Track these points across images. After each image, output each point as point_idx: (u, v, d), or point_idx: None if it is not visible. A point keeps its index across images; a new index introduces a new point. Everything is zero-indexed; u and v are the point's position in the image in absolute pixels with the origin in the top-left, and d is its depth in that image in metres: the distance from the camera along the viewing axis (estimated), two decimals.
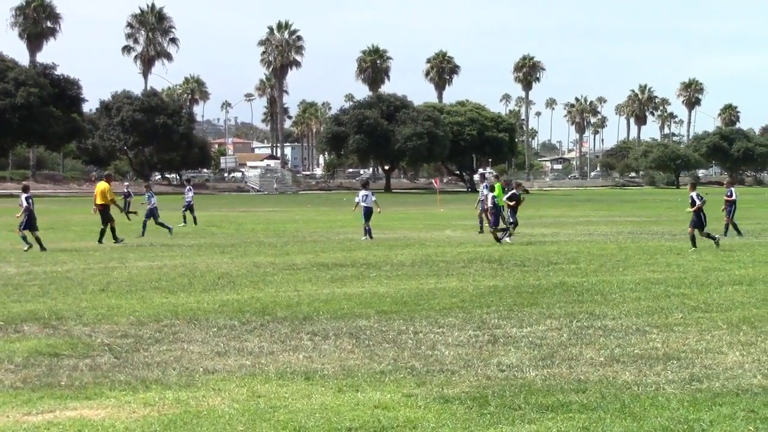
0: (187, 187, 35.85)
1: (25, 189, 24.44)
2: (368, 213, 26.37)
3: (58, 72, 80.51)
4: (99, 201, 25.77)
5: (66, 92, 78.40)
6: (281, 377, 9.05)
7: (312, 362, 9.76)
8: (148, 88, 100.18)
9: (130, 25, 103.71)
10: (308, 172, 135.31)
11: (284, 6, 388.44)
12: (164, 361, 9.86)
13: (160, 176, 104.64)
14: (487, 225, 27.46)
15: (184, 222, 34.24)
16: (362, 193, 26.71)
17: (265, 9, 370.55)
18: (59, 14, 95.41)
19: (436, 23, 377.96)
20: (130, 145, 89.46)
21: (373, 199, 26.63)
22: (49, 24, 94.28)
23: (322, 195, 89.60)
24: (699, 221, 23.19)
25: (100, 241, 25.45)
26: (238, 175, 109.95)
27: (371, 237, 26.01)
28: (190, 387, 8.69)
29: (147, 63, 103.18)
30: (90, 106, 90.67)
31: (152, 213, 29.30)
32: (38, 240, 23.71)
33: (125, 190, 38.26)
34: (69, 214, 37.96)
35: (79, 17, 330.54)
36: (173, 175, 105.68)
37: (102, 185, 26.14)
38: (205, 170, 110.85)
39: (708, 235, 23.27)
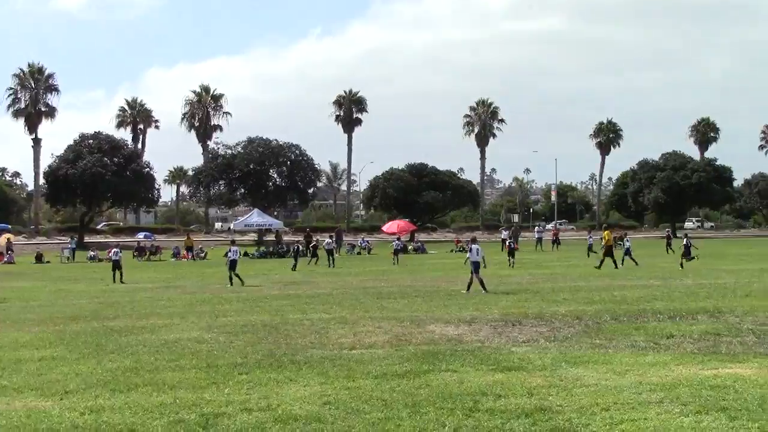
0: (231, 248, 33.54)
1: None
2: (477, 267, 25.54)
3: (717, 163, 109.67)
4: None
5: (722, 175, 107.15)
6: None
7: None
8: None
9: None
10: None
11: None
12: None
13: None
14: None
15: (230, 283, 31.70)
16: (474, 247, 26.25)
17: None
18: (718, 128, 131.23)
19: None
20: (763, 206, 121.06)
21: (483, 254, 26.20)
22: (712, 134, 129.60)
23: None
24: None
25: None
26: None
27: (485, 289, 25.11)
28: None
29: None
30: (737, 183, 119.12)
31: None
32: None
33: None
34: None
35: None
36: None
37: None
38: None
39: None
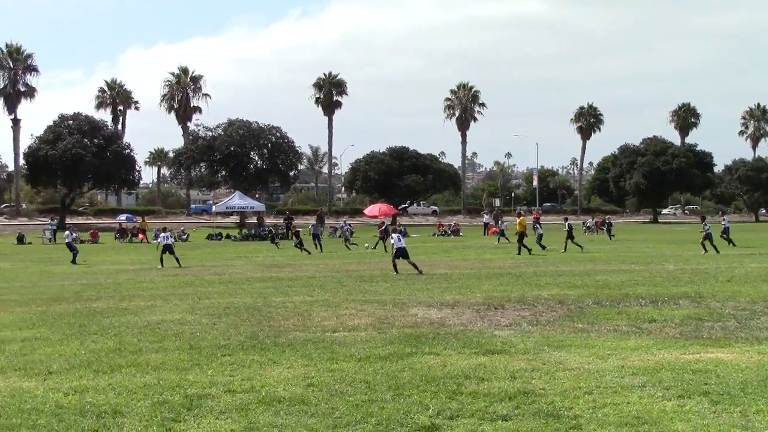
0: (163, 233, 34.43)
1: None
2: (404, 252, 26.97)
3: (698, 148, 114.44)
4: None
5: (702, 161, 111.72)
6: None
7: None
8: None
9: None
10: None
11: None
12: None
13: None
14: None
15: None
16: (395, 236, 27.62)
17: None
18: (699, 114, 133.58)
19: None
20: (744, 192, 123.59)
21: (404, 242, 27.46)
22: (692, 119, 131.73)
23: None
24: None
25: None
26: None
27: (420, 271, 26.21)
28: None
29: None
30: (718, 169, 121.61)
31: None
32: None
33: None
34: None
35: None
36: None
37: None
38: None
39: None
